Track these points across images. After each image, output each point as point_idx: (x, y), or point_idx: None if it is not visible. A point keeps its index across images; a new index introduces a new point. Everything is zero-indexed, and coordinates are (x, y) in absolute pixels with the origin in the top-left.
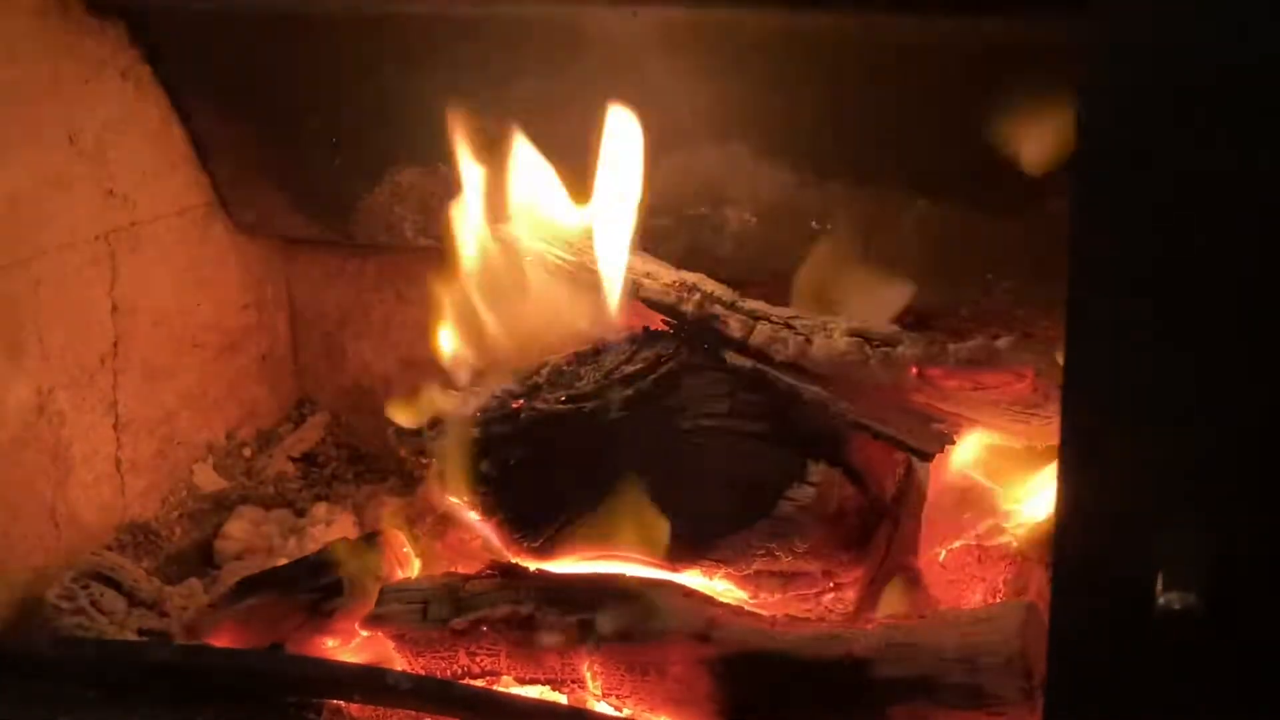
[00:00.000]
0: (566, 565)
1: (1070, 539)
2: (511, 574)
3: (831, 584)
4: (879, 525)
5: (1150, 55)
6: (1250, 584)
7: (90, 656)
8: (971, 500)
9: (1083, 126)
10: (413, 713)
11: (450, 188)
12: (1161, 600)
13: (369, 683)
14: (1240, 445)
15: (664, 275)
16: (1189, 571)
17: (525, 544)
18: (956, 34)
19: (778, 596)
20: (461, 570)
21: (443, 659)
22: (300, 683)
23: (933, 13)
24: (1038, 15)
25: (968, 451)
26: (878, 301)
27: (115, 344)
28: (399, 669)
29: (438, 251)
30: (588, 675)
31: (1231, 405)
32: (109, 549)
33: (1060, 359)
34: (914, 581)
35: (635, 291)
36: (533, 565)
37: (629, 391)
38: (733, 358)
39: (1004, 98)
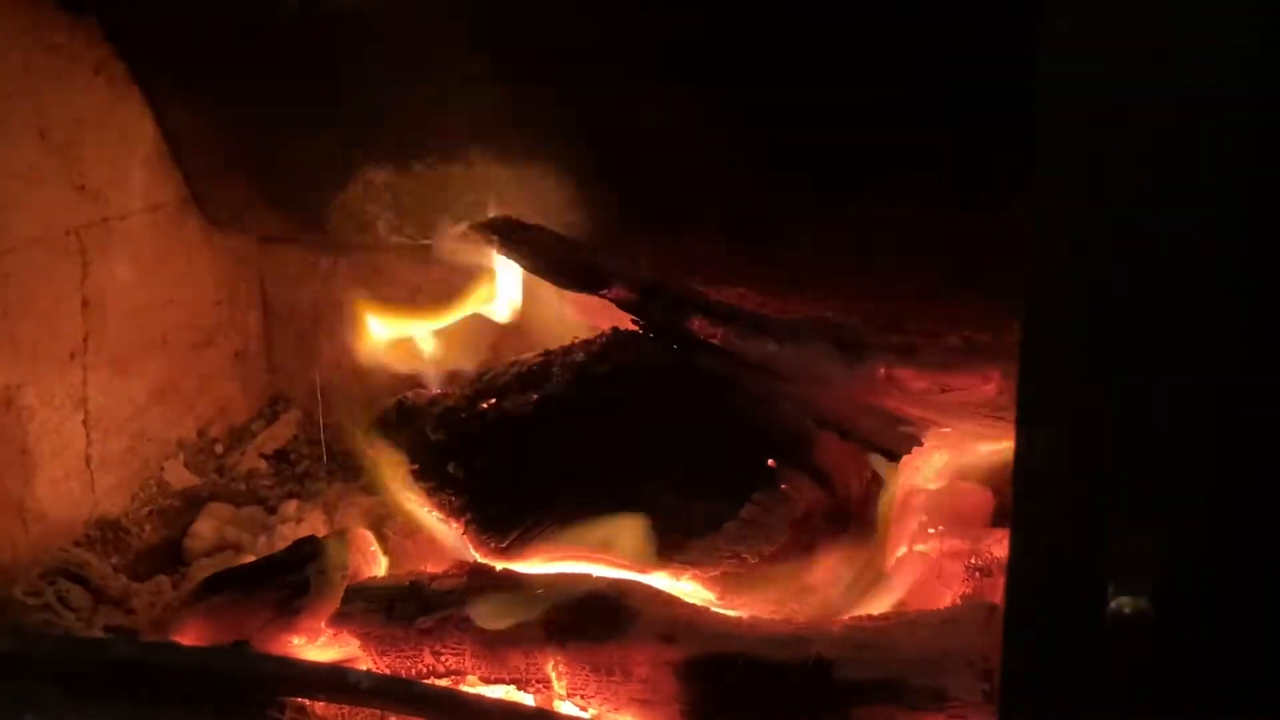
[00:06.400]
0: (533, 566)
1: (1023, 542)
2: (478, 574)
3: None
4: (846, 527)
5: (1107, 57)
6: (1199, 589)
7: (55, 653)
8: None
9: (1040, 129)
10: (377, 712)
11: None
12: (1112, 605)
13: (331, 682)
14: (1191, 451)
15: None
16: (1140, 576)
17: (492, 545)
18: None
19: (744, 598)
20: (429, 569)
21: (408, 658)
22: (263, 681)
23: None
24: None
25: (935, 454)
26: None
27: (85, 339)
28: (365, 668)
29: (411, 249)
30: (553, 675)
31: (1182, 411)
32: (77, 545)
33: None
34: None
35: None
36: (499, 565)
37: (598, 393)
38: (702, 359)
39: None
